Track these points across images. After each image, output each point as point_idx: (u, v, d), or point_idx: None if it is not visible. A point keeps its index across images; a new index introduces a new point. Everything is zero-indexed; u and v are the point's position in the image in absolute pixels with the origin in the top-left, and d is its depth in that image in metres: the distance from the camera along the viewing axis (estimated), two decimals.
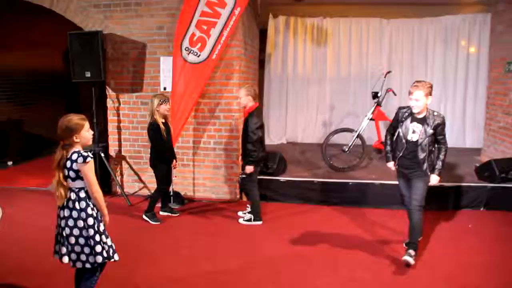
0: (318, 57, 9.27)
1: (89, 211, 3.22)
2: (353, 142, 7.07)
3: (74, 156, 3.12)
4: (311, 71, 9.34)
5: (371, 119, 7.32)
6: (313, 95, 9.40)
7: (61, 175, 3.18)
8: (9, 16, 8.16)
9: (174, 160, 5.77)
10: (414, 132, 4.34)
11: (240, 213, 5.86)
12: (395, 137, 4.57)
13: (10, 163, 8.95)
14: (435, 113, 4.31)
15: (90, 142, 3.31)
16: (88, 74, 6.26)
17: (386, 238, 5.09)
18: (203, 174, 6.65)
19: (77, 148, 3.19)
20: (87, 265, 3.21)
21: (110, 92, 6.79)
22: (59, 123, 3.18)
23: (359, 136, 7.07)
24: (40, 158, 9.61)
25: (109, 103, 6.82)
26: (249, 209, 5.77)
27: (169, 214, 5.92)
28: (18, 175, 7.93)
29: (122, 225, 5.45)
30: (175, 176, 6.53)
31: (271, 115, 9.50)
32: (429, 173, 4.37)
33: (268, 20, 8.96)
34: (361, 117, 7.97)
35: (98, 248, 3.20)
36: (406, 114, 4.43)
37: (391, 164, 4.71)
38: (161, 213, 5.88)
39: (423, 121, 4.31)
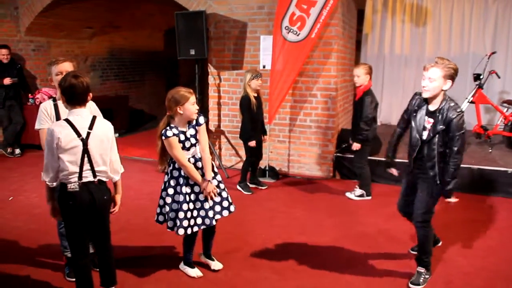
0: (416, 38, 8.96)
1: (181, 180, 3.39)
2: None
3: (164, 131, 3.30)
4: (409, 51, 9.05)
5: (471, 102, 7.04)
6: (410, 77, 9.13)
7: (160, 144, 3.39)
8: None
9: (264, 135, 5.96)
10: (424, 129, 3.43)
11: (347, 193, 5.81)
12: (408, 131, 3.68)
13: (116, 135, 9.54)
14: (452, 104, 3.29)
15: (194, 117, 3.37)
16: (192, 52, 6.59)
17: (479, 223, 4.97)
18: (298, 151, 6.79)
19: (178, 121, 3.33)
20: (174, 227, 3.43)
21: (211, 69, 7.10)
22: (167, 94, 3.33)
23: None
24: (142, 132, 10.31)
25: (211, 80, 7.13)
26: (357, 190, 5.75)
27: (256, 186, 6.12)
28: (123, 146, 8.50)
29: None
30: (271, 152, 6.75)
31: None
32: (437, 182, 3.42)
33: (366, 0, 8.81)
34: (460, 100, 7.68)
35: (181, 215, 3.39)
36: (418, 102, 3.50)
37: (393, 171, 3.85)
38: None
39: (434, 114, 3.35)
